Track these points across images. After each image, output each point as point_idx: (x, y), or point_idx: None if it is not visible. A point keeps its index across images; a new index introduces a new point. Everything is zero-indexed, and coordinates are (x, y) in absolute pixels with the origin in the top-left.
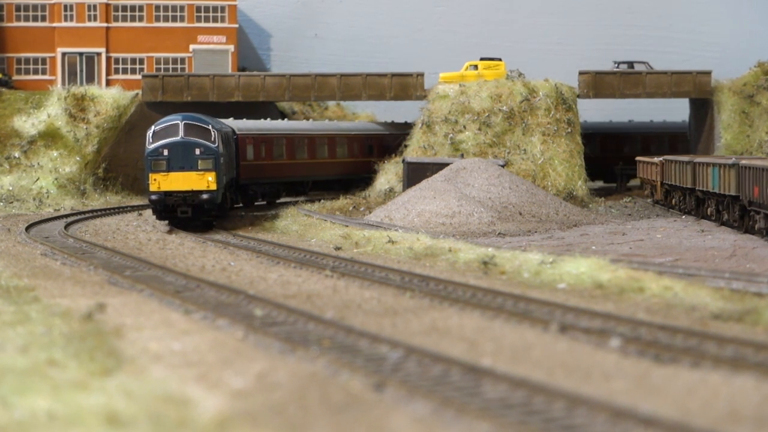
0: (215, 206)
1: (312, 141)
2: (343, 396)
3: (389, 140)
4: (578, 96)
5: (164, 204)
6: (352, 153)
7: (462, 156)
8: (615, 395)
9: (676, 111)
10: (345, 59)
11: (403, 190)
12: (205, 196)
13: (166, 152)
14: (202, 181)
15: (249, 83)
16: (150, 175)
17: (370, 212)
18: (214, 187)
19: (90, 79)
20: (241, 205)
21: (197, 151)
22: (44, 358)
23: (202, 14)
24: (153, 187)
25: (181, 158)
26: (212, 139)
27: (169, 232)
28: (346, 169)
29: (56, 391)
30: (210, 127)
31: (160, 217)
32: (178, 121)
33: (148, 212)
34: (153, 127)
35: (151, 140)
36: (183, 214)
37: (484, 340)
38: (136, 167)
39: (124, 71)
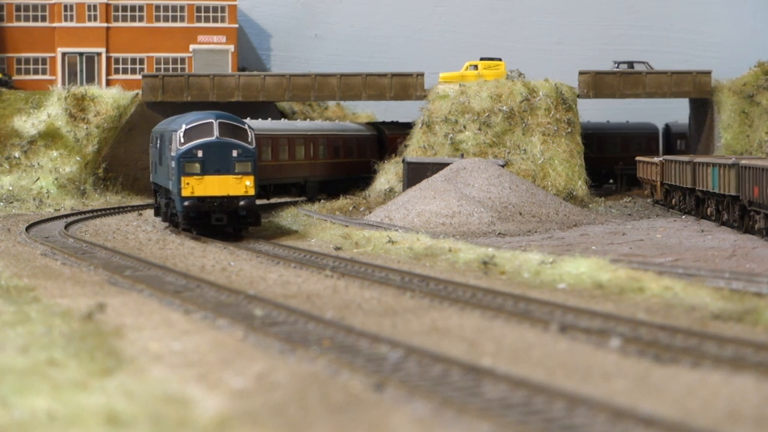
0: (252, 213)
1: (275, 141)
2: (343, 396)
3: (355, 141)
4: (578, 96)
5: (198, 210)
6: (308, 155)
7: (462, 156)
8: (615, 395)
9: (675, 111)
10: (345, 59)
11: (403, 190)
12: (242, 203)
13: (200, 153)
14: (239, 185)
15: (249, 83)
16: (182, 178)
17: (370, 212)
18: (252, 192)
19: (90, 79)
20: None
21: (234, 153)
22: (44, 358)
23: (202, 14)
24: (185, 192)
25: (217, 160)
26: (249, 139)
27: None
28: (306, 171)
29: (56, 391)
30: (246, 127)
31: (190, 224)
32: (212, 120)
33: (148, 212)
34: (183, 125)
35: (182, 140)
36: (218, 221)
37: (484, 340)
38: (137, 167)
39: (124, 71)
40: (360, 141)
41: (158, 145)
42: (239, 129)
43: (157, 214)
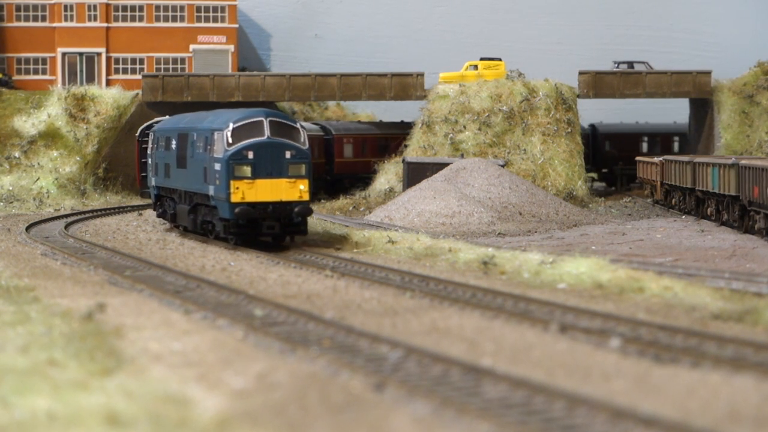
0: (304, 221)
1: None
2: (343, 396)
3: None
4: (578, 96)
5: (249, 218)
6: None
7: (462, 156)
8: (615, 395)
9: (675, 111)
10: (345, 59)
11: (403, 190)
12: (297, 209)
13: (250, 155)
14: (293, 190)
15: (249, 83)
16: (231, 182)
17: (370, 212)
18: (307, 197)
19: (90, 79)
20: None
21: (288, 155)
22: (44, 358)
23: (202, 14)
24: (235, 198)
25: (268, 163)
26: (302, 140)
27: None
28: None
29: (56, 391)
30: (299, 126)
31: (238, 233)
32: (262, 118)
33: (148, 212)
34: (230, 123)
35: (230, 140)
36: (269, 229)
37: (484, 340)
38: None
39: (124, 71)
40: (312, 142)
41: (174, 146)
42: (291, 128)
43: (173, 220)
